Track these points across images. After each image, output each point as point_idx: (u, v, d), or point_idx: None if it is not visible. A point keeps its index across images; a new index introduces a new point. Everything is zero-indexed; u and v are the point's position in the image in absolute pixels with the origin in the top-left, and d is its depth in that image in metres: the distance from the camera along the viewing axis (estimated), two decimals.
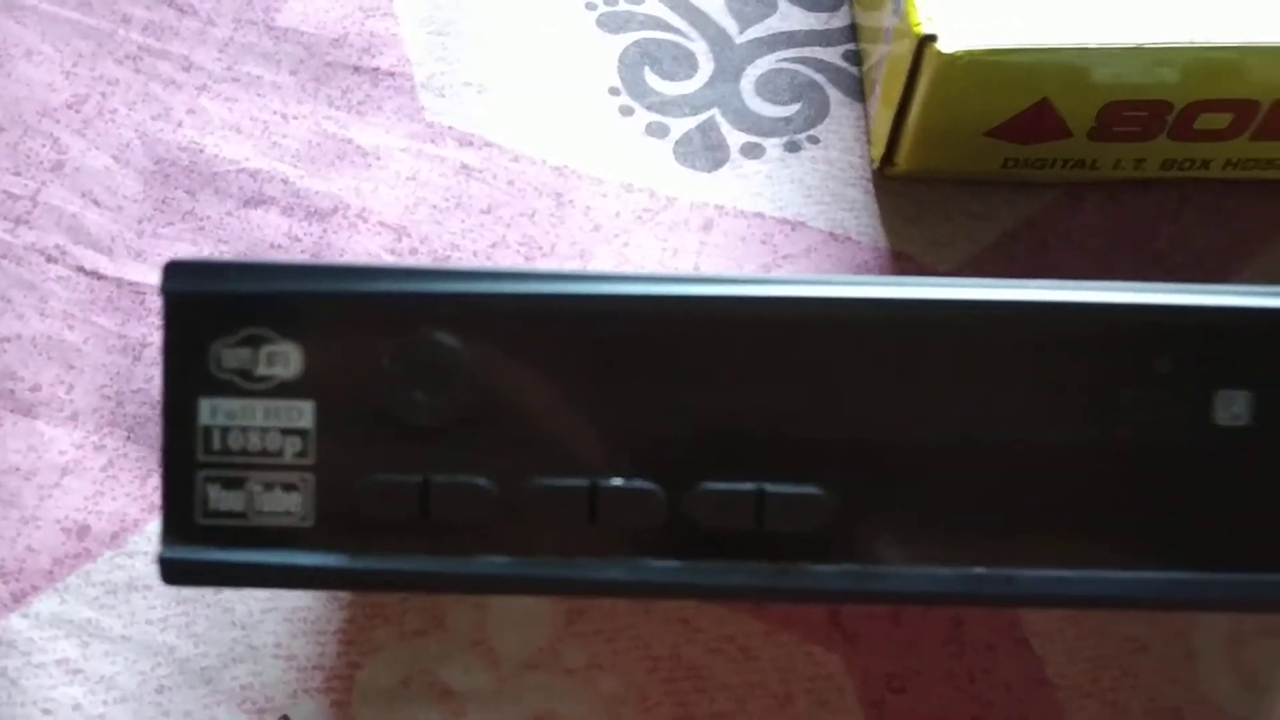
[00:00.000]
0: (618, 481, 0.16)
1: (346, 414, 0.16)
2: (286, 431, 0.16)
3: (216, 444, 0.16)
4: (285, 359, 0.16)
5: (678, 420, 0.16)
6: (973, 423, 0.16)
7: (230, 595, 0.29)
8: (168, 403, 0.16)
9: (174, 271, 0.16)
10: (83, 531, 0.30)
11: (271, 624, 0.29)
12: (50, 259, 0.33)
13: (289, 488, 0.16)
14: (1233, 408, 0.16)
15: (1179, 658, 0.30)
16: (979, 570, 0.17)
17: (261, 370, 0.16)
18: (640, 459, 0.16)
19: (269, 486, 0.16)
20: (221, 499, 0.16)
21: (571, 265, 0.34)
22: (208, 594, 0.29)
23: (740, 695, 0.29)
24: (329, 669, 0.29)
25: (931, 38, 0.30)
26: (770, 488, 0.16)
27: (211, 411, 0.16)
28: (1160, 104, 0.31)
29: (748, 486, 0.16)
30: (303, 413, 0.16)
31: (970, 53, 0.30)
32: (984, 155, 0.33)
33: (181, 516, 0.16)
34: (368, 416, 0.16)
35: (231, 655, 0.29)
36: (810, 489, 0.16)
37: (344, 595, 0.30)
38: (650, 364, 0.16)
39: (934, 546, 0.17)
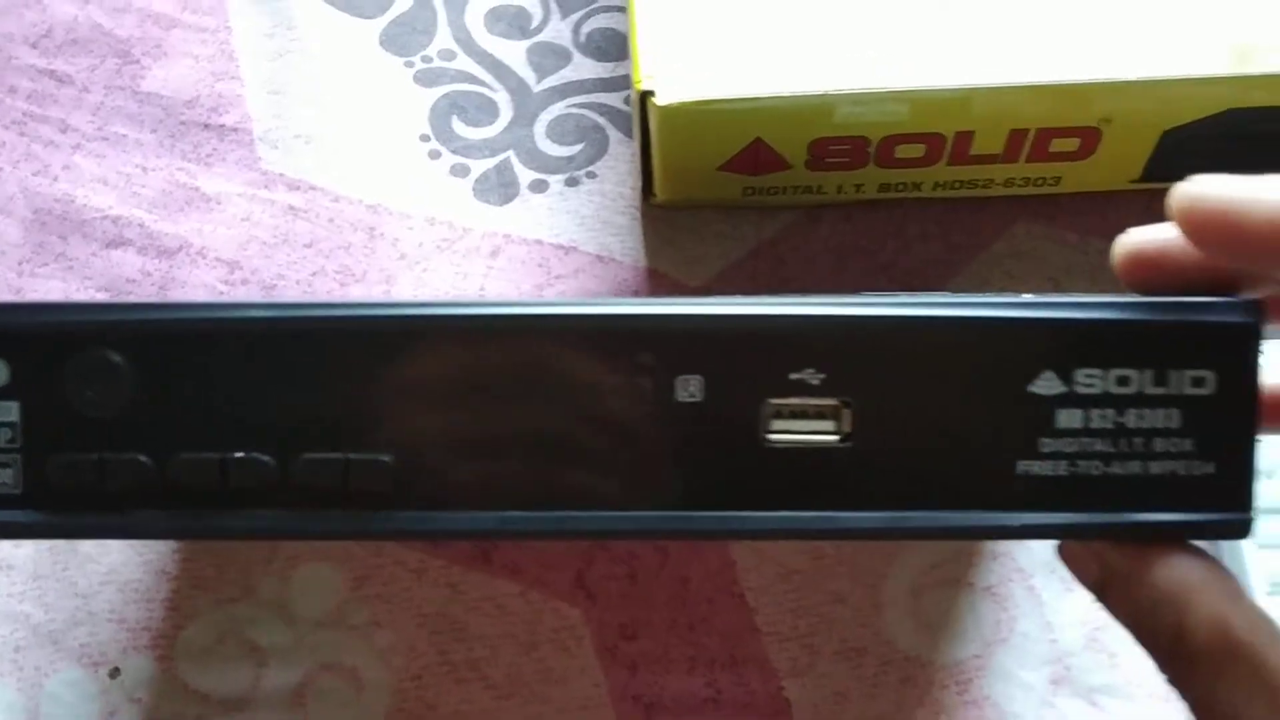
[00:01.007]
0: (240, 454, 0.22)
1: (42, 410, 0.22)
2: (0, 424, 0.22)
3: None
4: None
5: (284, 407, 0.22)
6: (512, 404, 0.22)
7: (74, 571, 0.35)
8: None
9: None
10: None
11: (108, 594, 0.35)
12: None
13: (4, 465, 0.22)
14: (689, 388, 0.22)
15: (869, 607, 0.35)
16: (515, 513, 0.22)
17: None
18: (257, 437, 0.22)
19: None
20: None
21: (379, 290, 0.40)
22: (57, 570, 0.35)
23: (493, 645, 0.35)
24: (155, 630, 0.35)
25: (650, 92, 0.35)
26: (353, 456, 0.22)
27: None
28: (858, 139, 0.37)
29: (336, 456, 0.22)
30: (11, 410, 0.22)
31: (683, 104, 0.35)
32: (724, 185, 0.39)
33: None
34: (57, 412, 0.22)
35: (74, 620, 0.35)
36: (383, 457, 0.22)
37: (171, 569, 0.36)
38: (257, 367, 0.22)
39: (477, 497, 0.22)
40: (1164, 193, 0.23)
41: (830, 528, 0.22)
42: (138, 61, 0.43)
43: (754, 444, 0.22)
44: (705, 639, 0.35)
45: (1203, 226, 0.22)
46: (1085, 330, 0.22)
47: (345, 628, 0.35)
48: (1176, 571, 0.22)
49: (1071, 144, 0.37)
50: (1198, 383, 0.22)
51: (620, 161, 0.41)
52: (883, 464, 0.22)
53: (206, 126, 0.42)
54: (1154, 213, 0.39)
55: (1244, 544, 0.34)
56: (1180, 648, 0.22)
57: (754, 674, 0.35)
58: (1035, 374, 0.22)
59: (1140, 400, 0.22)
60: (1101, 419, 0.22)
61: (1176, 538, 0.22)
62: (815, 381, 0.22)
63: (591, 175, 0.41)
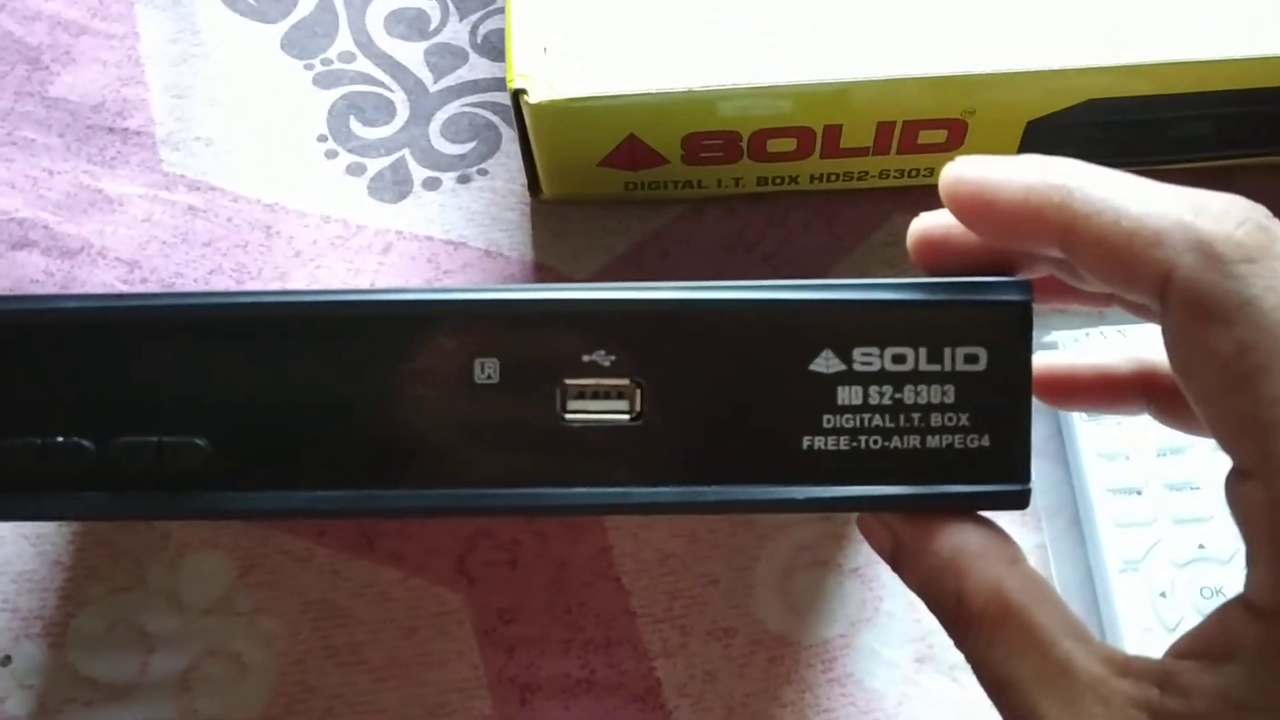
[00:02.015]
0: (60, 439, 0.23)
1: None
2: None
3: None
4: None
5: (102, 393, 0.23)
6: (319, 388, 0.23)
7: None
8: None
9: None
10: None
11: (1, 584, 0.36)
12: None
13: None
14: (486, 370, 0.23)
15: (741, 589, 0.36)
16: (322, 493, 0.23)
17: None
18: (77, 421, 0.23)
19: None
20: None
21: (274, 285, 0.41)
22: None
23: (374, 629, 0.36)
24: (48, 618, 0.36)
25: (523, 90, 0.36)
26: (166, 439, 0.23)
27: None
28: (730, 133, 0.38)
29: (150, 439, 0.23)
30: None
31: (553, 102, 0.36)
32: (605, 181, 0.40)
33: None
34: None
35: None
36: (196, 440, 0.23)
37: (66, 560, 0.37)
38: (76, 355, 0.23)
39: (287, 478, 0.23)
40: None
41: (625, 503, 0.23)
42: (47, 68, 0.44)
43: (554, 423, 0.23)
44: (581, 621, 0.36)
45: (963, 205, 0.23)
46: (860, 311, 0.23)
47: (231, 614, 0.36)
48: (956, 540, 0.23)
49: (939, 136, 0.38)
50: (970, 359, 0.23)
51: (511, 159, 0.42)
52: (674, 441, 0.23)
53: (111, 130, 0.43)
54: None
55: (1100, 523, 0.35)
56: (960, 612, 0.23)
57: (627, 655, 0.36)
58: (815, 353, 0.23)
59: (916, 377, 0.23)
60: (880, 395, 0.23)
61: (957, 509, 0.23)
62: (607, 363, 0.23)
63: (483, 172, 0.42)
